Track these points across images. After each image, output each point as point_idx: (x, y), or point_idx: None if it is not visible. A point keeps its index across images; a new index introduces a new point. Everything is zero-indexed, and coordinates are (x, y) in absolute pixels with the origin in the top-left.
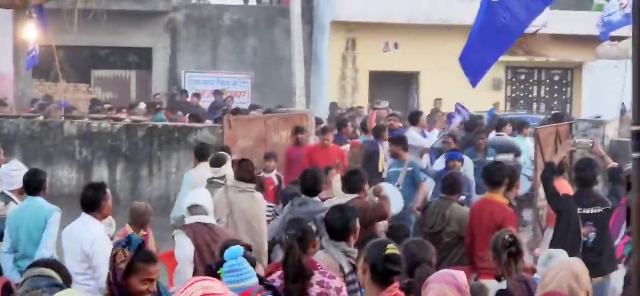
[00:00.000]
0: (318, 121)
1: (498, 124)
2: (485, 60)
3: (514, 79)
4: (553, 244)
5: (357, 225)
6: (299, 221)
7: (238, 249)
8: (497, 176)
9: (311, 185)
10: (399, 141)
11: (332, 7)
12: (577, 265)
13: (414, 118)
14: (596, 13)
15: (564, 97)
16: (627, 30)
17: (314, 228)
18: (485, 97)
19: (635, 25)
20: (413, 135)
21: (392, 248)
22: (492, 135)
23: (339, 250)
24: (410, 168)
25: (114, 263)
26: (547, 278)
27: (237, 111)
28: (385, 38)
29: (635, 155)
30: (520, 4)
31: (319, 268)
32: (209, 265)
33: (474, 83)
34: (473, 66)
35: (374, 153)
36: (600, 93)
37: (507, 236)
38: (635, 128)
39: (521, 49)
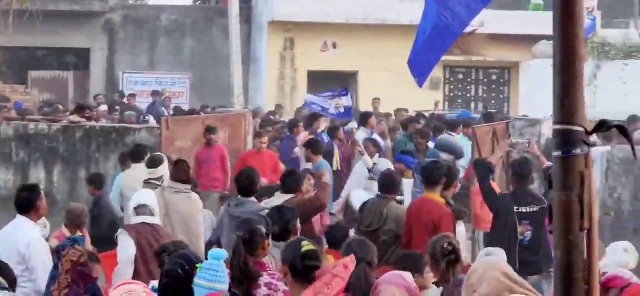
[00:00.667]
0: (264, 124)
1: (451, 125)
2: (431, 60)
3: (452, 79)
4: (490, 243)
5: (298, 225)
6: (249, 222)
7: (223, 252)
8: (434, 175)
9: (247, 186)
10: (308, 144)
11: (271, 7)
12: (502, 262)
13: (363, 119)
14: (534, 13)
15: (501, 96)
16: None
17: (263, 230)
18: (423, 97)
19: (557, 23)
20: (362, 136)
21: (307, 245)
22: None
23: (280, 251)
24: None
25: (74, 261)
26: (474, 278)
27: (194, 111)
28: (324, 38)
29: (556, 153)
30: (461, 4)
31: (268, 269)
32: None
33: (420, 84)
34: (420, 67)
35: (329, 153)
36: (538, 92)
37: (446, 245)
38: (557, 127)
39: (459, 49)
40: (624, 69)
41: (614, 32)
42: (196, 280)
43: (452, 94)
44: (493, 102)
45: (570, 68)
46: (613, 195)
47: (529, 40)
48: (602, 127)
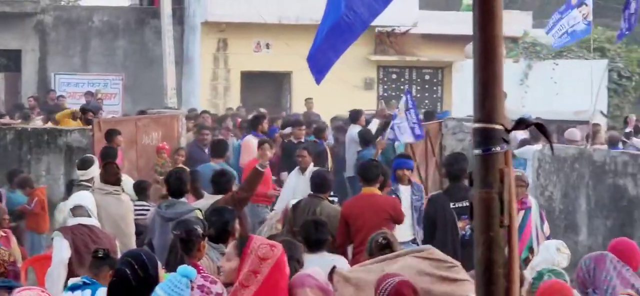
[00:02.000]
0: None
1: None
2: (330, 58)
3: (385, 79)
4: (437, 245)
5: (236, 226)
6: (186, 222)
7: (192, 272)
8: (372, 173)
9: (176, 186)
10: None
11: (203, 8)
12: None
13: (355, 116)
14: (466, 13)
15: (435, 95)
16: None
17: (200, 230)
18: (357, 97)
19: (476, 23)
20: (355, 133)
21: None
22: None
23: (218, 253)
24: None
25: (5, 261)
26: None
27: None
28: (257, 38)
29: (476, 151)
30: (364, 5)
31: (202, 271)
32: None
33: (318, 81)
34: (319, 64)
35: (323, 153)
36: (471, 91)
37: (380, 239)
38: (477, 125)
39: (392, 49)
40: (554, 68)
41: (545, 32)
42: (157, 290)
43: (386, 94)
44: (426, 101)
45: (489, 67)
46: (544, 193)
47: (462, 40)
48: (521, 124)
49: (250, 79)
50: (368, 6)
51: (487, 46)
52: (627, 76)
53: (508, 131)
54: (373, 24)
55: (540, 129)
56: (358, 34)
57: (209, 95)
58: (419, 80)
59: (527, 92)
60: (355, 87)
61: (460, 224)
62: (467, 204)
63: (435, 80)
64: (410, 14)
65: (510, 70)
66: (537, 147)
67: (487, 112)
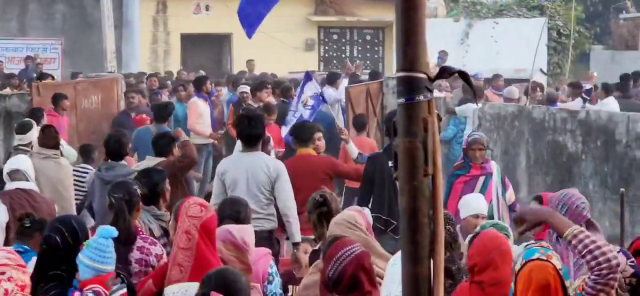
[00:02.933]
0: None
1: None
2: (260, 12)
3: (327, 39)
4: (374, 203)
5: (167, 187)
6: (125, 184)
7: (113, 230)
8: (306, 133)
9: (116, 149)
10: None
11: None
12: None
13: (331, 79)
14: None
15: (376, 56)
16: None
17: (138, 190)
18: (298, 58)
19: None
20: (331, 93)
21: None
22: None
23: (149, 215)
24: None
25: None
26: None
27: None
28: (196, 0)
29: (400, 100)
30: None
31: (141, 233)
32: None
33: (249, 35)
34: (249, 18)
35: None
36: None
37: (317, 197)
38: (400, 74)
39: (333, 9)
40: (494, 27)
41: None
42: (82, 258)
43: (327, 55)
44: (368, 62)
45: (411, 15)
46: None
47: None
48: (444, 73)
49: (191, 41)
50: None
51: None
52: (567, 34)
53: (431, 80)
54: None
55: (463, 78)
56: None
57: (148, 59)
58: (360, 40)
59: (467, 51)
60: (296, 48)
61: None
62: None
63: (376, 40)
64: None
65: (450, 29)
66: (476, 105)
67: (409, 60)
